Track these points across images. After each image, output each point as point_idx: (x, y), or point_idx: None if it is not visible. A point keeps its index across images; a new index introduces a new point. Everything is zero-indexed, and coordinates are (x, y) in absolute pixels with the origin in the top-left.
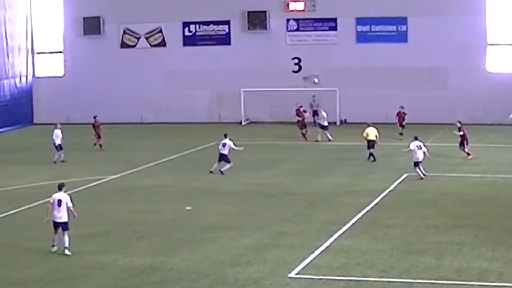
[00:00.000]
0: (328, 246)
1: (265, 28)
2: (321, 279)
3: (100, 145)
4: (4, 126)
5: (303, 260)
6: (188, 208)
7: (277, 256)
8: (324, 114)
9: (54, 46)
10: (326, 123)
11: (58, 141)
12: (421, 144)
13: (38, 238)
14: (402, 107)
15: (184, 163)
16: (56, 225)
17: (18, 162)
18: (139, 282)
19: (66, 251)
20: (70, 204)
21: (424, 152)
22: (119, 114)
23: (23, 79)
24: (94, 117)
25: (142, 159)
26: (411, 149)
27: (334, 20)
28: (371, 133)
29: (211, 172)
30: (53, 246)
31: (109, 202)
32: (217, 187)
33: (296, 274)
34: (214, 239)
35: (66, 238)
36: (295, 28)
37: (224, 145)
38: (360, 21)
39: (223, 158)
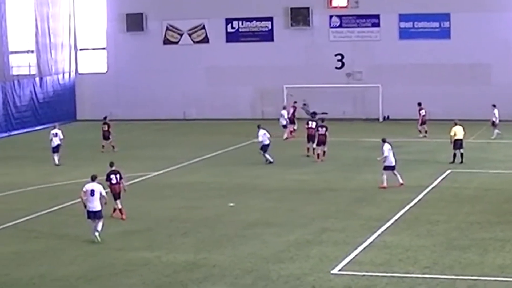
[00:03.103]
0: (371, 243)
1: (308, 25)
2: (364, 275)
3: (105, 146)
4: (47, 123)
5: (346, 257)
6: (231, 204)
7: (320, 252)
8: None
9: (97, 42)
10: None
11: (57, 142)
12: (390, 146)
13: (81, 234)
14: (420, 103)
15: (227, 160)
16: (91, 214)
17: (61, 158)
18: (182, 278)
19: (97, 234)
20: (104, 193)
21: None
22: (162, 110)
23: (66, 75)
24: (105, 117)
25: (185, 156)
26: (386, 156)
27: (377, 16)
28: (459, 131)
29: (270, 162)
30: (95, 235)
31: (152, 198)
32: (260, 184)
33: (339, 270)
34: (257, 235)
35: (100, 224)
36: (338, 24)
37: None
38: (403, 17)
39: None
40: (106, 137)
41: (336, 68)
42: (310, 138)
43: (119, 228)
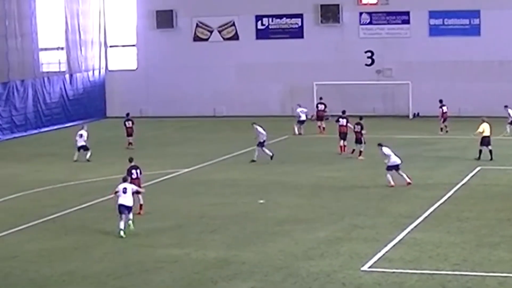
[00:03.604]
0: (401, 240)
1: (338, 22)
2: (394, 272)
3: (131, 143)
4: (77, 120)
5: (376, 254)
6: (261, 201)
7: (350, 249)
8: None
9: (127, 39)
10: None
11: (81, 143)
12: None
13: (111, 231)
14: (441, 100)
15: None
16: (122, 208)
17: (91, 155)
18: (212, 275)
19: (130, 223)
20: (135, 188)
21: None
22: (192, 107)
23: (96, 72)
24: (127, 114)
25: (215, 152)
26: (387, 155)
27: (407, 13)
28: (487, 129)
29: (253, 161)
30: (122, 230)
31: (182, 195)
32: (290, 181)
33: (369, 267)
34: (287, 232)
35: (131, 215)
36: (368, 21)
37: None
38: (433, 14)
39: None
40: (130, 134)
41: (366, 65)
42: (342, 136)
43: (149, 225)
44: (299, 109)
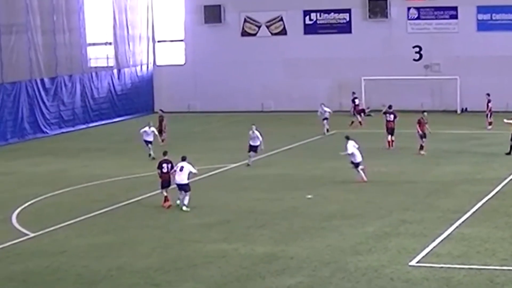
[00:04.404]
0: (448, 235)
1: (386, 17)
2: (441, 267)
3: (162, 140)
4: (125, 114)
5: (423, 249)
6: (309, 196)
7: (398, 244)
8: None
9: (175, 34)
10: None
11: (148, 138)
12: (355, 143)
13: (159, 226)
14: (488, 94)
15: (304, 151)
16: (179, 186)
17: (138, 150)
18: (260, 270)
19: (184, 208)
20: (193, 170)
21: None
22: (240, 102)
23: (144, 67)
24: (161, 110)
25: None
26: (349, 153)
27: (455, 8)
28: None
29: (248, 165)
30: (178, 199)
31: (230, 190)
32: (338, 175)
33: (417, 262)
34: (335, 227)
35: (187, 198)
36: (416, 16)
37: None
38: (481, 9)
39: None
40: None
41: (414, 60)
42: (389, 131)
43: (197, 220)
44: (326, 108)
